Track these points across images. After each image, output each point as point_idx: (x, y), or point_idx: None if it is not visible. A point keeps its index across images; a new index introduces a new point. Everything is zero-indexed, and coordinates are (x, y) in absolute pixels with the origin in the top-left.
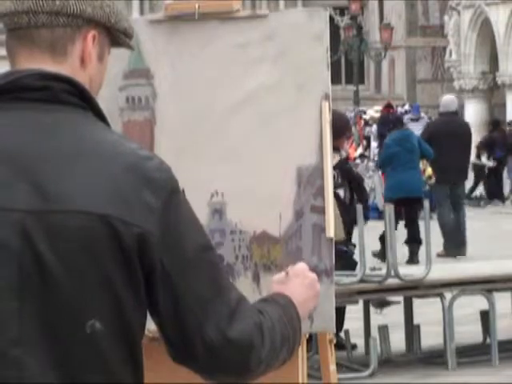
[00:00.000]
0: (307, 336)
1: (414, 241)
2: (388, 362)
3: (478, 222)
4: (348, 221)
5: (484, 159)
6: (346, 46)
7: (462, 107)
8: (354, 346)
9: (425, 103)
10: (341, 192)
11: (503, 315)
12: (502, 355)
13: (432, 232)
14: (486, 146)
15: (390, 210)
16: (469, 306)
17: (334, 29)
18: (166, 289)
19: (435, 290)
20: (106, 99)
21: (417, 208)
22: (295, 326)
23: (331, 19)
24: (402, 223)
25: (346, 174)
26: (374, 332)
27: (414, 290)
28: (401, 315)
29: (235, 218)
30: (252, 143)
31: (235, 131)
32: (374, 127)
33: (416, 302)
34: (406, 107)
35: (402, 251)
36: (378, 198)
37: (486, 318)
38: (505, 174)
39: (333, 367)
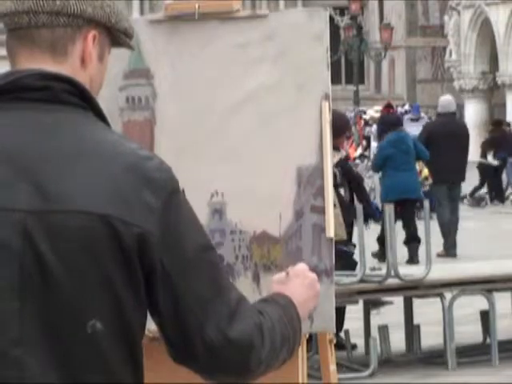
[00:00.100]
0: (307, 336)
1: (413, 240)
2: (388, 362)
3: (477, 222)
4: (348, 221)
5: (490, 158)
6: (346, 46)
7: (461, 107)
8: (353, 346)
9: (425, 103)
10: (341, 191)
11: (503, 315)
12: (502, 355)
13: (432, 232)
14: (491, 145)
15: (389, 209)
16: (469, 306)
17: (334, 29)
18: (166, 289)
19: (435, 290)
20: (106, 99)
21: (414, 209)
22: (295, 326)
23: (331, 19)
24: (399, 224)
25: (346, 174)
26: (374, 332)
27: (413, 290)
28: (401, 315)
29: (235, 217)
30: (252, 143)
31: (235, 131)
32: (374, 127)
33: (416, 302)
34: (406, 107)
35: (402, 251)
36: (378, 198)
37: (486, 317)
38: (504, 175)
39: (333, 367)
